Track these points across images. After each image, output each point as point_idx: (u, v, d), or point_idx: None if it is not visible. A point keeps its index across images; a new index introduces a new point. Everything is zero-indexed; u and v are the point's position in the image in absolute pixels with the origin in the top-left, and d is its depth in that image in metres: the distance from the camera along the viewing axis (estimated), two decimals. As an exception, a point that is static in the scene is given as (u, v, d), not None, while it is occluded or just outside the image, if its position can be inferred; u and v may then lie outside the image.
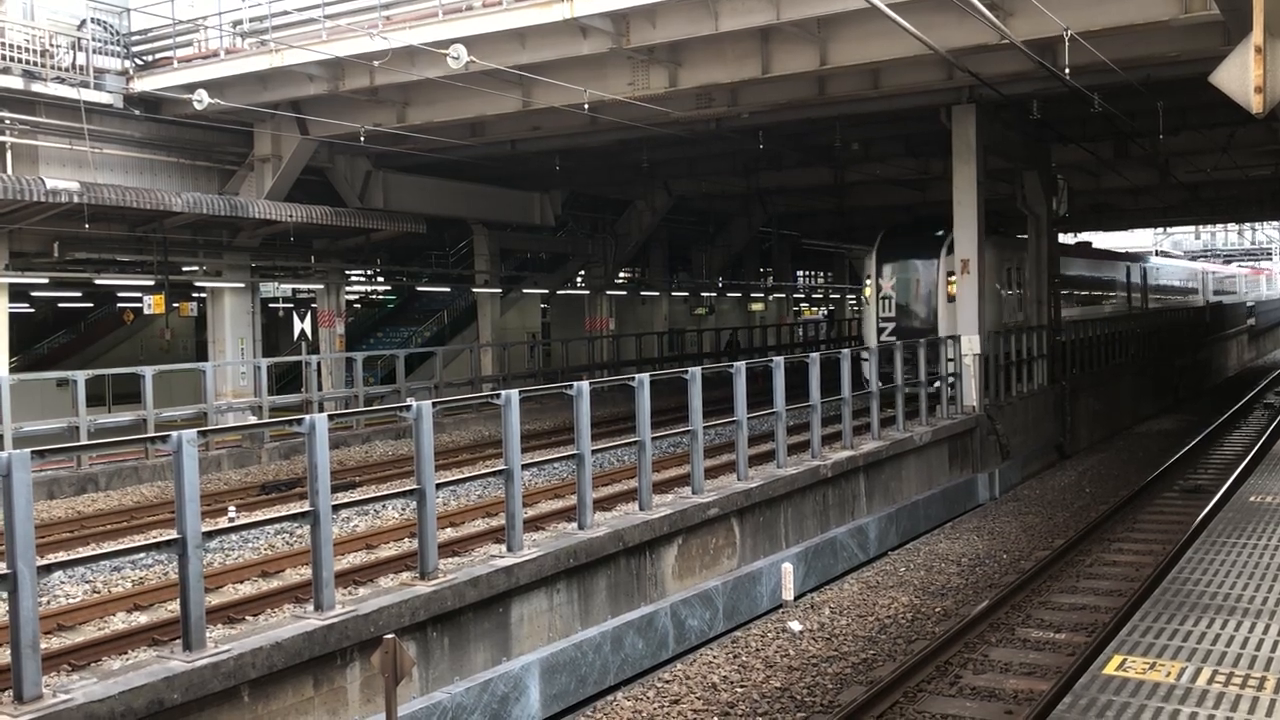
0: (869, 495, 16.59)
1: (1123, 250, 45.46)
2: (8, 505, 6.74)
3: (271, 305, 31.95)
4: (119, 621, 9.69)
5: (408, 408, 9.55)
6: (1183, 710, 5.84)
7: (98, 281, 23.31)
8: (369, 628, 8.54)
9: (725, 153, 26.73)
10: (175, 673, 7.27)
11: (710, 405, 13.69)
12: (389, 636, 7.10)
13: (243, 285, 24.03)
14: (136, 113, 20.68)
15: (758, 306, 45.30)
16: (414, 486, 9.53)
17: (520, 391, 10.55)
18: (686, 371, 13.06)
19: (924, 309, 23.45)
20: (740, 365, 13.81)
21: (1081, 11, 14.69)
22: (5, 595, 6.85)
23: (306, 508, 8.61)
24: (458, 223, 31.10)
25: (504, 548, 10.44)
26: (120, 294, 29.34)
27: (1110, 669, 6.47)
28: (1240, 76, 7.96)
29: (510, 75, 17.78)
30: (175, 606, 8.75)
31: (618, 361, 33.99)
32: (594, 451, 11.42)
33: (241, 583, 10.91)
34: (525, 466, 10.87)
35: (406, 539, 12.09)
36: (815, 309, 58.64)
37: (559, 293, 36.48)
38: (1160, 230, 62.85)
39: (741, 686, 10.57)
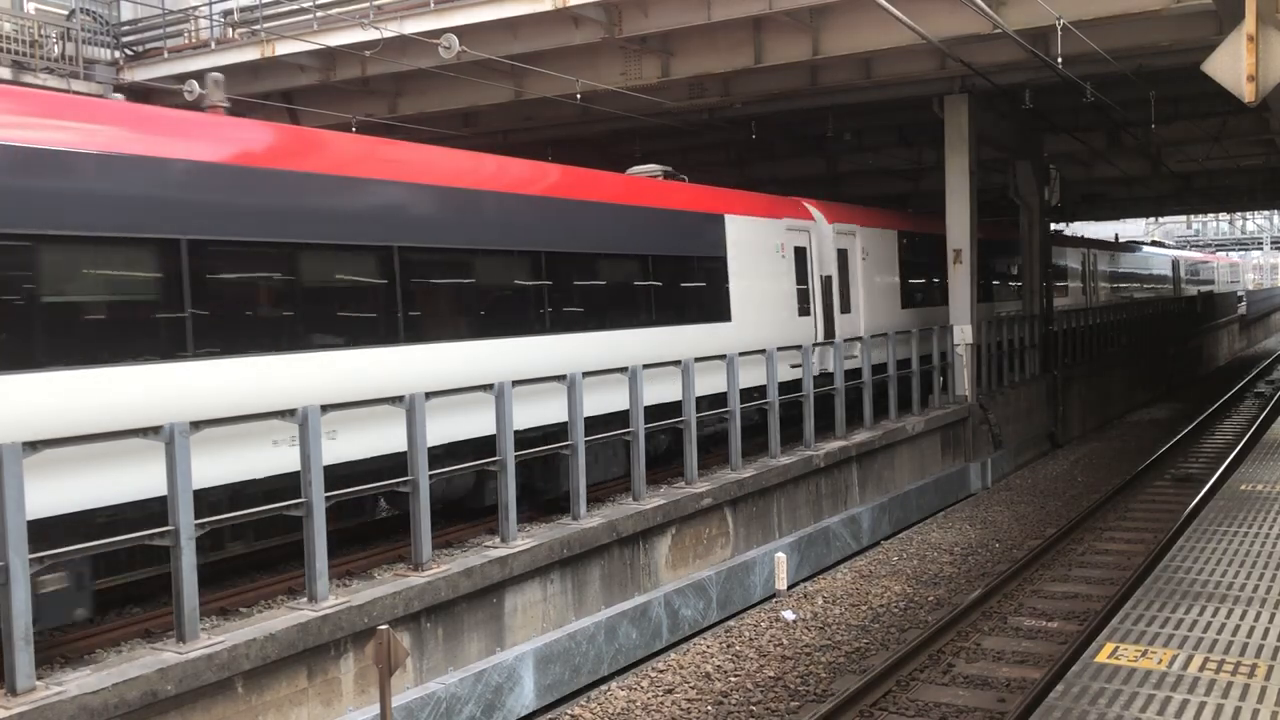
0: (862, 485, 16.62)
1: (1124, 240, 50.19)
2: (0, 497, 6.72)
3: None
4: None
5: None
6: (1174, 698, 5.87)
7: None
8: (362, 619, 8.54)
9: (718, 143, 26.70)
10: (169, 664, 7.26)
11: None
12: (383, 627, 7.10)
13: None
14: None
15: None
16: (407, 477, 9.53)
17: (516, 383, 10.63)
18: (680, 363, 13.11)
19: None
20: (733, 355, 13.81)
21: (1074, 0, 14.68)
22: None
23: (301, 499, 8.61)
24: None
25: (498, 538, 10.45)
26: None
27: (1102, 657, 6.49)
28: (1232, 65, 7.98)
29: (502, 65, 17.75)
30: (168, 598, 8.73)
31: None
32: (588, 441, 11.43)
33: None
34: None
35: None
36: None
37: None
38: (1152, 220, 63.16)
39: (735, 676, 10.59)
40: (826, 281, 18.51)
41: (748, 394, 14.24)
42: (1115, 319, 32.22)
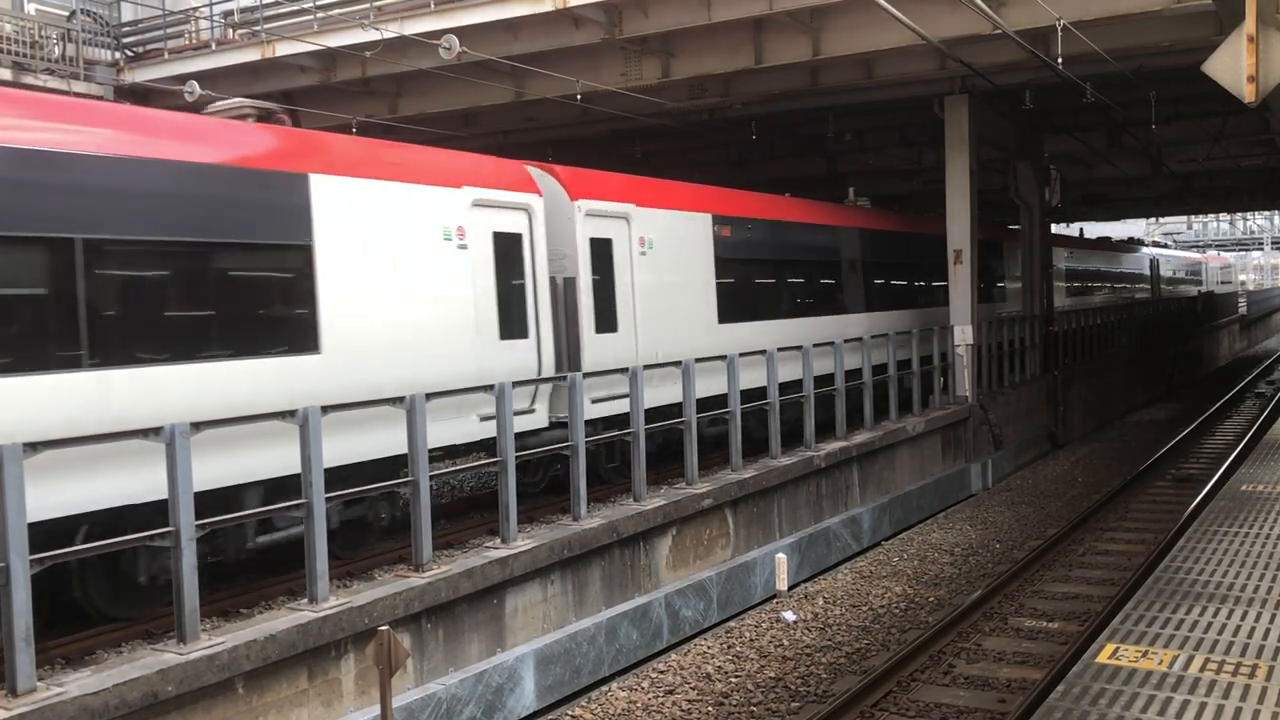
0: (862, 485, 16.62)
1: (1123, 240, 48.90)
2: (0, 498, 6.72)
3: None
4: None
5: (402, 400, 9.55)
6: (1175, 698, 5.86)
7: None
8: (363, 620, 8.54)
9: (718, 144, 26.72)
10: (169, 665, 7.26)
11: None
12: (383, 628, 7.10)
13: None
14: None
15: None
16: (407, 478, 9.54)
17: (515, 384, 10.59)
18: (680, 363, 13.08)
19: None
20: (733, 355, 13.81)
21: (1074, 1, 14.69)
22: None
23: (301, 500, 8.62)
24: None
25: (498, 539, 10.45)
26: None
27: (1103, 657, 6.49)
28: (1232, 65, 7.99)
29: (503, 66, 17.75)
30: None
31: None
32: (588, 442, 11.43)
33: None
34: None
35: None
36: None
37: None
38: (1152, 220, 63.14)
39: (736, 677, 10.59)
40: (566, 286, 13.43)
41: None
42: (1115, 319, 32.20)
